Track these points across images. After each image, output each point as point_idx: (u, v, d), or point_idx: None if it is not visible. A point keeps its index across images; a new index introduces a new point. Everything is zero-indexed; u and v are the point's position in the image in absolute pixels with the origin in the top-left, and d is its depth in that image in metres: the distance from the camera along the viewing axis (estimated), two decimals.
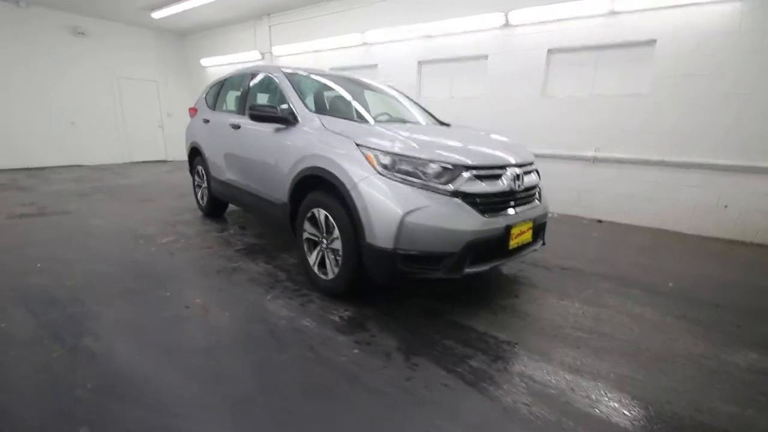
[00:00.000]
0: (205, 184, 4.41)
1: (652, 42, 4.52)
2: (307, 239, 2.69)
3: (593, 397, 1.70)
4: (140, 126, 9.90)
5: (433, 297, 2.62)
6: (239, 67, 9.12)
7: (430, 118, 3.70)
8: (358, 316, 2.35)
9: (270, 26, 8.31)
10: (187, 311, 2.32)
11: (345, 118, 2.74)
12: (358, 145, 2.27)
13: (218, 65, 9.70)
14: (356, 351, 1.97)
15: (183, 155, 5.06)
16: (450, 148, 2.32)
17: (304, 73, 3.33)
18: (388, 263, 2.12)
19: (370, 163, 2.18)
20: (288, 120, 2.83)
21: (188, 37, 10.38)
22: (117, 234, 3.80)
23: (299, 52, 7.92)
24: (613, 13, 4.65)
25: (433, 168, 2.15)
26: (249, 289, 2.66)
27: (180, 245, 3.51)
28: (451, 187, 2.13)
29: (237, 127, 3.46)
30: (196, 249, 3.43)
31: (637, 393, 1.74)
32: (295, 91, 2.99)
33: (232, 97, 4.10)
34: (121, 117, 9.51)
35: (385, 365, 1.87)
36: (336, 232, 2.38)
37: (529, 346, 2.09)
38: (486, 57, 5.72)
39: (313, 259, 2.66)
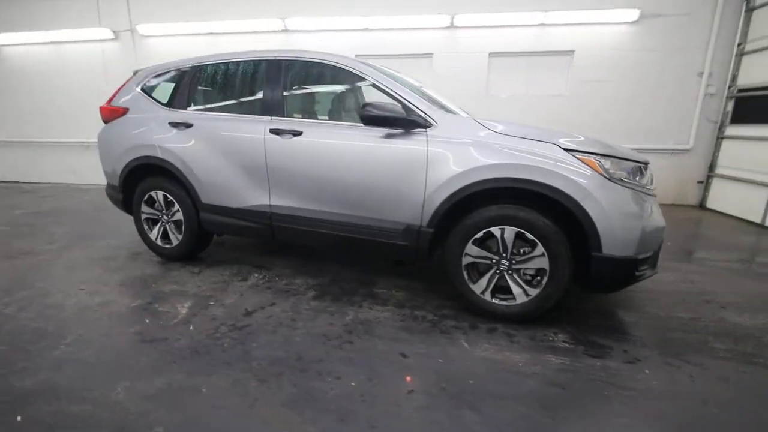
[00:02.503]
0: (177, 217, 3.05)
1: (571, 52, 5.55)
2: (470, 265, 2.27)
3: None
4: None
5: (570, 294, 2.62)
6: (79, 47, 6.46)
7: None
8: (572, 335, 2.15)
9: None
10: (422, 397, 1.64)
11: None
12: (567, 150, 2.04)
13: (27, 43, 6.64)
14: (655, 383, 1.80)
15: None
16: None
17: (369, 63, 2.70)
18: (627, 271, 2.03)
19: (594, 169, 2.00)
20: (417, 123, 2.27)
21: None
22: (77, 321, 2.24)
23: (184, 33, 6.21)
24: (543, 25, 5.47)
25: (640, 168, 2.15)
26: (427, 342, 2.06)
27: (222, 312, 2.37)
28: (652, 185, 2.19)
29: (292, 133, 2.52)
30: (259, 311, 2.38)
31: None
32: (406, 87, 2.41)
33: (230, 93, 2.95)
34: None
35: (721, 378, 1.80)
36: (537, 250, 2.09)
37: (727, 320, 2.37)
38: (431, 55, 5.84)
39: (482, 286, 2.26)
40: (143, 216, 3.20)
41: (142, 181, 3.14)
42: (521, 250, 2.16)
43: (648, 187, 2.17)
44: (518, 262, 2.17)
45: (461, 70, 5.77)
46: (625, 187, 2.03)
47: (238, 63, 2.90)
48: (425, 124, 2.28)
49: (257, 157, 2.65)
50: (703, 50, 5.20)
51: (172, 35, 6.27)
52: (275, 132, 2.58)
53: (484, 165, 2.09)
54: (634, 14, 5.16)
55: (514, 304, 2.22)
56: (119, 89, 3.34)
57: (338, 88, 2.70)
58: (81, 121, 6.74)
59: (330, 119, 2.56)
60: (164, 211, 3.12)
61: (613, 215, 1.96)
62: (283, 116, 2.65)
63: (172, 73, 3.11)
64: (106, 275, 2.92)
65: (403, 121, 2.26)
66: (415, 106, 2.32)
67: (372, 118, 2.24)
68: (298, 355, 1.92)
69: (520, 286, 2.19)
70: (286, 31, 6.01)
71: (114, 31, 6.29)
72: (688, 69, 5.30)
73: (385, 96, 2.41)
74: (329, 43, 5.97)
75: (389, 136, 2.34)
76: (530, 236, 2.09)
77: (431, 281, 2.84)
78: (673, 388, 1.72)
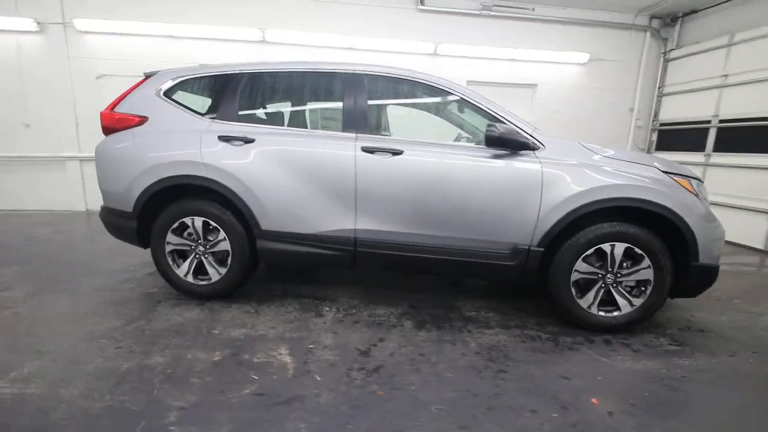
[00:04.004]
0: (221, 247, 2.57)
1: (534, 85, 6.26)
2: (578, 281, 2.37)
3: None
4: None
5: None
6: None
7: None
8: (670, 337, 2.39)
9: None
10: (627, 417, 1.64)
11: None
12: (664, 172, 2.30)
13: None
14: (766, 369, 2.10)
15: None
16: None
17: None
18: (713, 276, 2.34)
19: (687, 189, 2.28)
20: (528, 145, 2.34)
21: None
22: (158, 391, 1.71)
23: (134, 33, 5.35)
24: (513, 60, 6.08)
25: (703, 186, 2.51)
26: (568, 360, 2.08)
27: (333, 355, 2.04)
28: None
29: (392, 152, 2.36)
30: (374, 349, 2.12)
31: None
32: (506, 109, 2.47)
33: (296, 106, 2.65)
34: None
35: None
36: (644, 263, 2.29)
37: (752, 311, 2.85)
38: None
39: (589, 300, 2.37)
40: (168, 248, 2.62)
41: (169, 205, 2.59)
42: (624, 264, 2.34)
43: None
44: (623, 275, 2.34)
45: None
46: (704, 203, 2.36)
47: (303, 74, 2.63)
48: (533, 146, 2.36)
49: (344, 177, 2.40)
50: (633, 90, 6.34)
51: (118, 34, 5.35)
52: (368, 150, 2.38)
53: (605, 185, 2.23)
54: (584, 57, 6.07)
55: (620, 314, 2.37)
56: (125, 93, 2.74)
57: (430, 106, 2.63)
58: None
59: (422, 138, 2.46)
60: (200, 241, 2.61)
61: (706, 228, 2.27)
62: (369, 134, 2.47)
63: (213, 80, 2.67)
64: (134, 326, 2.29)
65: (517, 143, 2.31)
66: (522, 129, 2.39)
67: (495, 139, 2.24)
68: (471, 392, 1.77)
69: (625, 298, 2.36)
70: (264, 42, 5.60)
71: (39, 23, 5.11)
72: (623, 105, 6.40)
73: (488, 118, 2.44)
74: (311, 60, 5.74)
75: (496, 156, 2.36)
76: (638, 250, 2.28)
77: (506, 300, 2.87)
78: None
